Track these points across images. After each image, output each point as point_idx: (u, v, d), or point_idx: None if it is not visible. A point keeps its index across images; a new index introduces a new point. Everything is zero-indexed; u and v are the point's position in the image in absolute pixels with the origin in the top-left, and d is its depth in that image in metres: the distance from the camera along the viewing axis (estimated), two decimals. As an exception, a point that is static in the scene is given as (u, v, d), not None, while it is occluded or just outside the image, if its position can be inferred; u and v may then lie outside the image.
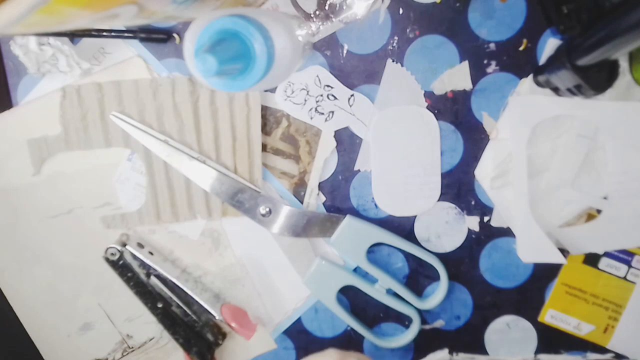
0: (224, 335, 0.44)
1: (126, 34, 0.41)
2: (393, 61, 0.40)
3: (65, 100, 0.41)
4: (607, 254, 0.42)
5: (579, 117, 0.39)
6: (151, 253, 0.42)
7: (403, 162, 0.41)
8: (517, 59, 0.40)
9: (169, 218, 0.43)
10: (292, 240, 0.43)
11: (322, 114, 0.41)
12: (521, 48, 0.40)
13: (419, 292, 0.43)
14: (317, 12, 0.40)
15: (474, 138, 0.41)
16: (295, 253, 0.43)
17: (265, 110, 0.42)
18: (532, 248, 0.41)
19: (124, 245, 0.42)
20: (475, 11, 0.39)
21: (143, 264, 0.42)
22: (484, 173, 0.41)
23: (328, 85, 0.41)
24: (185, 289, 0.42)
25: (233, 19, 0.30)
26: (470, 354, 0.44)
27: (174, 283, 0.42)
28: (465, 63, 0.40)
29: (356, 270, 0.43)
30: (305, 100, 0.41)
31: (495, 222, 0.42)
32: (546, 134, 0.40)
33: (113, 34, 0.41)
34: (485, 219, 0.42)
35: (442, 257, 0.42)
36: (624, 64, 0.38)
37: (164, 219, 0.43)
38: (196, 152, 0.41)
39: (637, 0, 0.29)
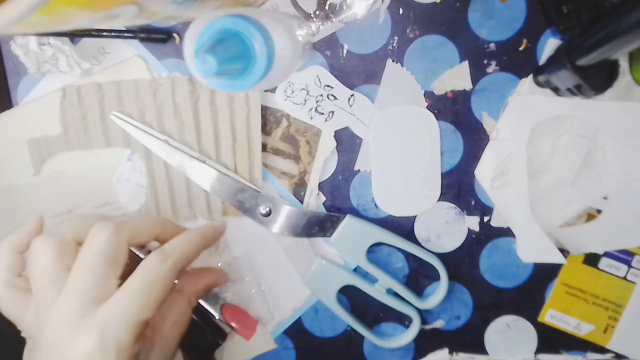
0: (224, 335, 0.44)
1: (126, 34, 0.41)
2: (393, 61, 0.40)
3: (65, 100, 0.41)
4: (607, 254, 0.42)
5: (579, 117, 0.39)
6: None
7: (403, 162, 0.41)
8: (517, 59, 0.40)
9: (169, 218, 0.42)
10: (292, 240, 0.43)
11: (322, 114, 0.41)
12: (521, 48, 0.40)
13: (419, 292, 0.43)
14: (317, 12, 0.40)
15: (474, 138, 0.41)
16: (295, 253, 0.43)
17: (265, 110, 0.42)
18: (532, 248, 0.41)
19: (124, 245, 0.42)
20: (475, 11, 0.39)
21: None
22: (484, 173, 0.41)
23: (328, 85, 0.41)
24: (185, 289, 0.42)
25: (233, 19, 0.30)
26: (470, 354, 0.44)
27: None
28: (465, 63, 0.40)
29: (356, 270, 0.43)
30: (305, 100, 0.41)
31: (495, 222, 0.42)
32: (546, 134, 0.40)
33: (113, 34, 0.41)
34: (485, 219, 0.42)
35: (442, 257, 0.42)
36: (624, 64, 0.38)
37: (164, 219, 0.43)
38: (196, 152, 0.41)
39: (637, 0, 0.29)
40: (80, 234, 0.34)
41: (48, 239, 0.33)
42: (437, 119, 0.41)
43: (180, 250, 0.35)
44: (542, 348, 0.44)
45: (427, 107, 0.41)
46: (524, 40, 0.40)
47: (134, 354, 0.32)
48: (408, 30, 0.40)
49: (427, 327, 0.44)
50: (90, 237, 0.33)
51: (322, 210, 0.43)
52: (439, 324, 0.44)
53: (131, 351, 0.31)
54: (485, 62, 0.40)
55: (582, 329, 0.43)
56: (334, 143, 0.42)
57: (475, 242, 0.43)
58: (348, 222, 0.41)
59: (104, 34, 0.41)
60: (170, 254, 0.34)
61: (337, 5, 0.40)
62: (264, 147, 0.42)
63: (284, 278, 0.43)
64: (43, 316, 0.32)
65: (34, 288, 0.33)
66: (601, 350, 0.43)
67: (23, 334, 0.33)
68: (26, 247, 0.35)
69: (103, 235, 0.32)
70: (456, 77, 0.40)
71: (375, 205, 0.42)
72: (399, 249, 0.43)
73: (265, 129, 0.42)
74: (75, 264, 0.32)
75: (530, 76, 0.40)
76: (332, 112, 0.41)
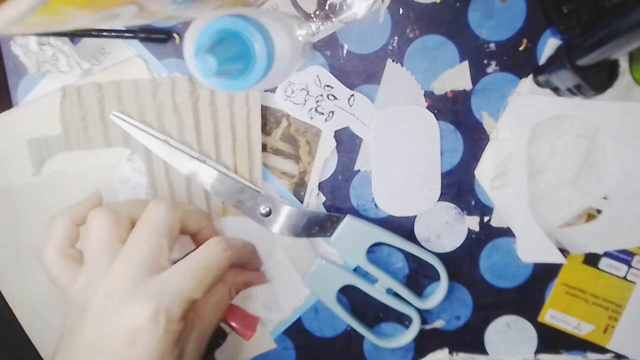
0: (224, 335, 0.44)
1: (126, 34, 0.41)
2: (393, 61, 0.40)
3: (65, 100, 0.41)
4: (607, 254, 0.42)
5: (579, 117, 0.39)
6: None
7: (403, 162, 0.41)
8: (517, 59, 0.40)
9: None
10: (292, 240, 0.43)
11: (322, 114, 0.41)
12: (521, 48, 0.40)
13: (419, 292, 0.43)
14: (317, 12, 0.40)
15: (474, 138, 0.41)
16: (295, 253, 0.43)
17: (265, 110, 0.42)
18: (532, 248, 0.41)
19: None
20: (475, 11, 0.39)
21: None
22: (484, 173, 0.41)
23: (328, 85, 0.41)
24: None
25: (233, 19, 0.30)
26: (470, 354, 0.44)
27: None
28: (465, 63, 0.40)
29: (356, 270, 0.43)
30: (305, 100, 0.41)
31: (495, 222, 0.42)
32: (546, 134, 0.40)
33: (113, 34, 0.41)
34: (485, 219, 0.42)
35: (442, 257, 0.42)
36: (624, 64, 0.38)
37: (164, 219, 0.43)
38: (196, 152, 0.41)
39: (637, 0, 0.29)
40: (135, 213, 0.35)
41: (106, 210, 0.34)
42: (437, 119, 0.41)
43: (240, 248, 0.39)
44: (542, 348, 0.44)
45: (427, 107, 0.41)
46: (524, 40, 0.40)
47: (179, 330, 0.33)
48: (408, 30, 0.40)
49: (427, 327, 0.44)
50: (148, 211, 0.35)
51: (322, 210, 0.43)
52: (439, 324, 0.44)
53: (177, 326, 0.32)
54: (485, 62, 0.40)
55: (582, 329, 0.43)
56: (334, 143, 0.42)
57: (475, 242, 0.43)
58: (348, 222, 0.41)
59: (104, 34, 0.41)
60: (232, 247, 0.36)
61: (337, 5, 0.40)
62: (264, 147, 0.42)
63: (284, 278, 0.43)
64: (93, 284, 0.33)
65: (86, 256, 0.34)
66: (601, 350, 0.43)
67: (67, 303, 0.34)
68: (83, 220, 0.36)
69: (160, 210, 0.34)
70: (456, 77, 0.40)
71: (375, 205, 0.42)
72: (399, 249, 0.43)
73: (265, 129, 0.42)
74: (132, 234, 0.34)
75: (530, 76, 0.40)
76: (332, 112, 0.41)
